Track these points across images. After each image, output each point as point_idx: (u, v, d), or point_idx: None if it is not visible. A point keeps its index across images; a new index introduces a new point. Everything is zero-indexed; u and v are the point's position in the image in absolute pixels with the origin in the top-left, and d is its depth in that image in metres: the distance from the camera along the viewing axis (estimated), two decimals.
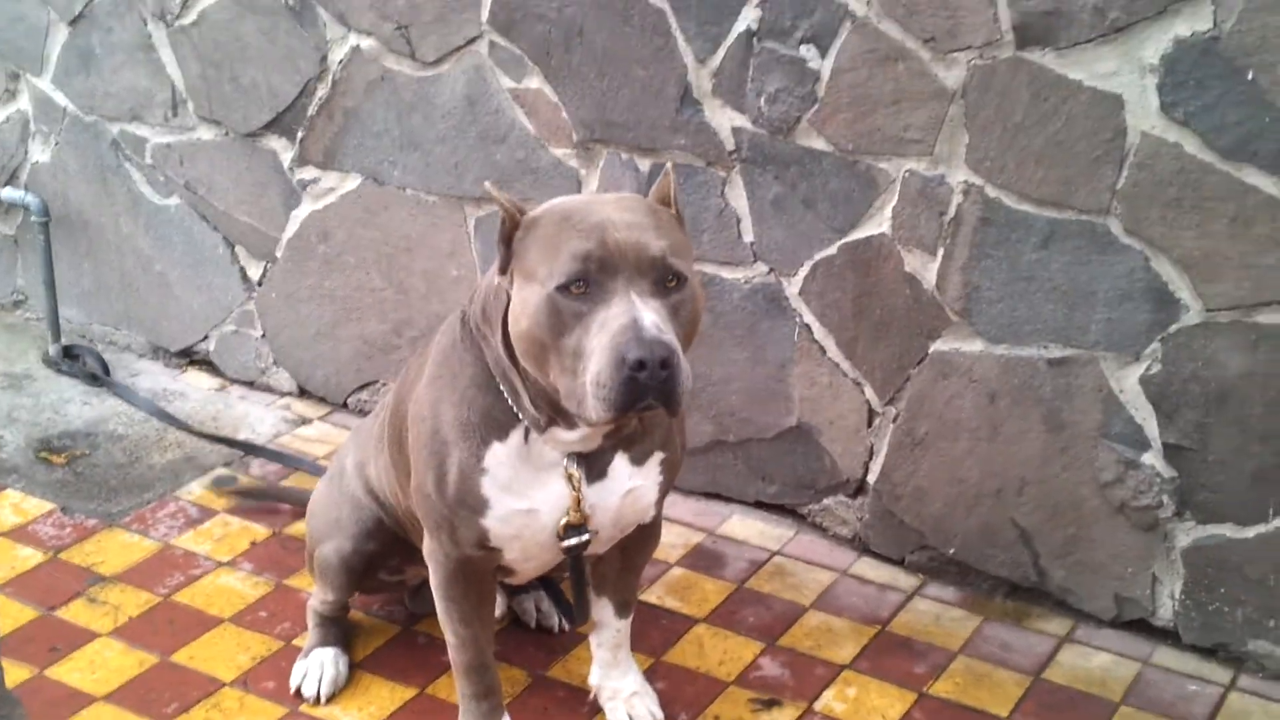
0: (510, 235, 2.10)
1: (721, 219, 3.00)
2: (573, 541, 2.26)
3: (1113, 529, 2.78)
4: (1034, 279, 2.72)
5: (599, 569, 2.52)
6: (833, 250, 2.91)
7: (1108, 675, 2.71)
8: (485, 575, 2.39)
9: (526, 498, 2.23)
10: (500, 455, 2.22)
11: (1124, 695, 2.66)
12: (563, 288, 1.98)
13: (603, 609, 2.53)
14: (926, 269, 2.82)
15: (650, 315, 1.96)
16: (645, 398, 1.94)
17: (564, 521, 2.25)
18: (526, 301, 2.03)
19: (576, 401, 1.99)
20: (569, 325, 1.99)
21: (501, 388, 2.19)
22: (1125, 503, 2.75)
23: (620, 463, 2.26)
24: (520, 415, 2.19)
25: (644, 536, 2.47)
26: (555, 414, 2.14)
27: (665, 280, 2.02)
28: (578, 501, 2.23)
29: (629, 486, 2.29)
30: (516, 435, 2.21)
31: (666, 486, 2.38)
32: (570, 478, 2.22)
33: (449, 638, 2.41)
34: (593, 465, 2.23)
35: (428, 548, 2.37)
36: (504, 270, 2.11)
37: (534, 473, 2.23)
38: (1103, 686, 2.68)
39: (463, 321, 2.25)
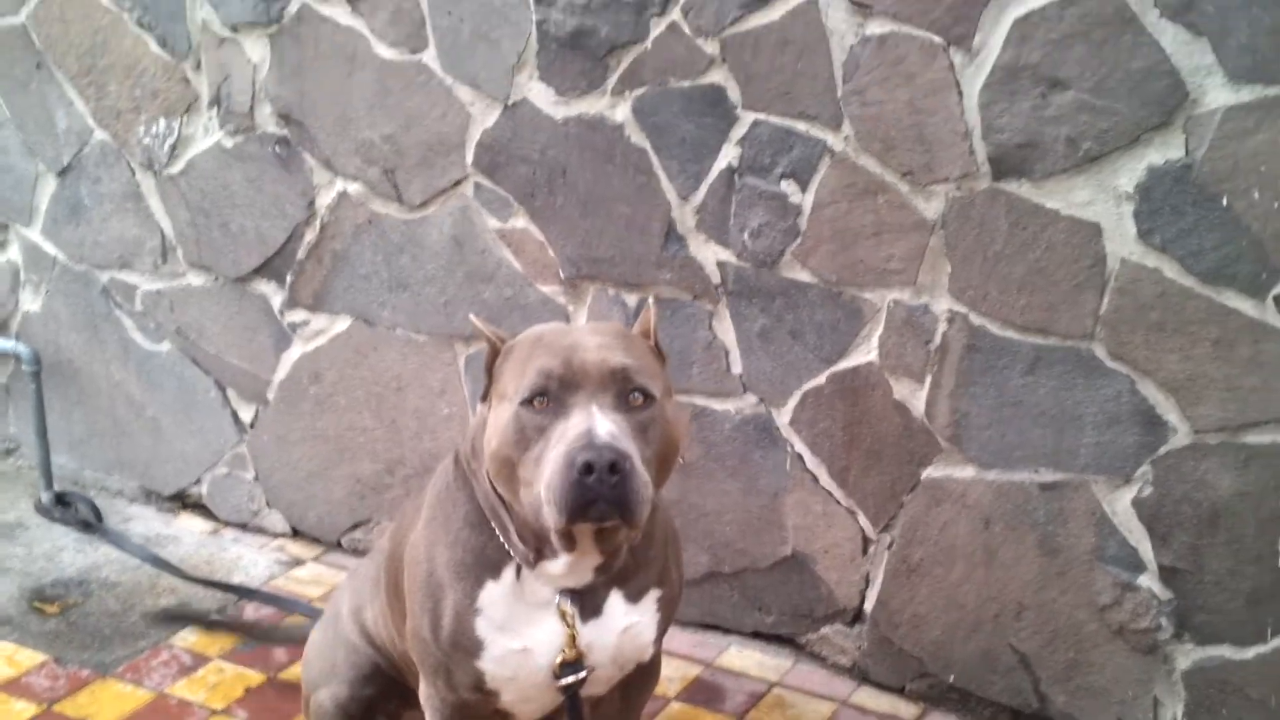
0: (491, 363, 2.15)
1: (710, 351, 3.02)
2: (569, 680, 2.24)
3: (1112, 652, 2.76)
4: (1022, 404, 2.73)
5: (599, 710, 2.49)
6: (821, 380, 2.93)
7: None
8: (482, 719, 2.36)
9: (521, 637, 2.22)
10: (494, 594, 2.21)
11: None
12: (526, 401, 2.01)
13: None
14: (915, 397, 2.84)
15: (606, 424, 1.97)
16: (596, 504, 1.94)
17: (559, 659, 2.23)
18: (497, 419, 2.07)
19: (535, 512, 2.00)
20: (531, 439, 2.01)
21: (492, 524, 2.19)
22: (1124, 625, 2.74)
23: (615, 600, 2.25)
24: (511, 552, 2.18)
25: (643, 675, 2.45)
26: (540, 544, 2.14)
27: (628, 395, 2.03)
28: (572, 638, 2.22)
29: (625, 624, 2.27)
30: (509, 573, 2.21)
31: (665, 624, 2.37)
32: (564, 614, 2.21)
33: None
34: (587, 603, 2.22)
35: (424, 693, 2.35)
36: (485, 397, 2.15)
37: (528, 611, 2.22)
38: None
39: (455, 462, 2.27)
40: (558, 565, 2.16)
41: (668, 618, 2.36)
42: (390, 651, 2.54)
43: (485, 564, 2.20)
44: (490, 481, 2.15)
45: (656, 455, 2.06)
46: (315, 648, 2.71)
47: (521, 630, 2.22)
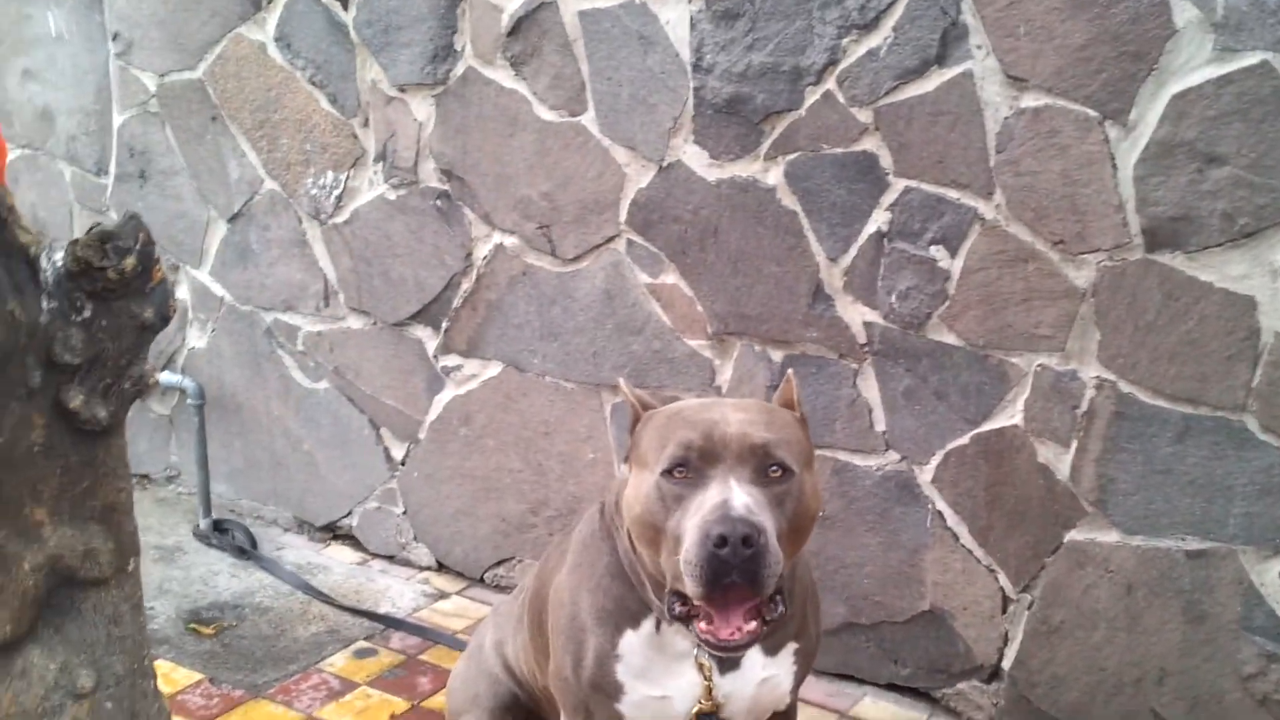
0: (633, 427, 2.23)
1: (853, 409, 3.08)
2: None
3: None
4: (1170, 472, 2.75)
5: None
6: (965, 440, 2.97)
7: None
8: None
9: (660, 685, 2.29)
10: (633, 643, 2.28)
11: None
12: (666, 472, 2.08)
13: None
14: (1060, 460, 2.86)
15: (742, 497, 2.03)
16: (729, 575, 1.99)
17: (695, 710, 2.30)
18: (639, 487, 2.13)
19: (675, 579, 2.07)
20: (671, 509, 2.07)
21: (633, 580, 2.27)
22: (1268, 695, 2.73)
23: (753, 653, 2.30)
24: (652, 607, 2.26)
25: None
26: (658, 607, 2.21)
27: (767, 469, 2.08)
28: (709, 690, 2.28)
29: (763, 676, 2.33)
30: (648, 624, 2.28)
31: (802, 676, 2.42)
32: (701, 667, 2.27)
33: None
34: (725, 656, 2.29)
35: None
36: (626, 459, 2.23)
37: (667, 661, 2.29)
38: None
39: (601, 512, 2.35)
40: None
41: (805, 669, 2.42)
42: (530, 685, 2.64)
43: (625, 613, 2.28)
44: (630, 541, 2.24)
45: (791, 526, 2.11)
46: (459, 677, 2.81)
47: (660, 679, 2.29)
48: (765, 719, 2.44)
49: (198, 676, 3.33)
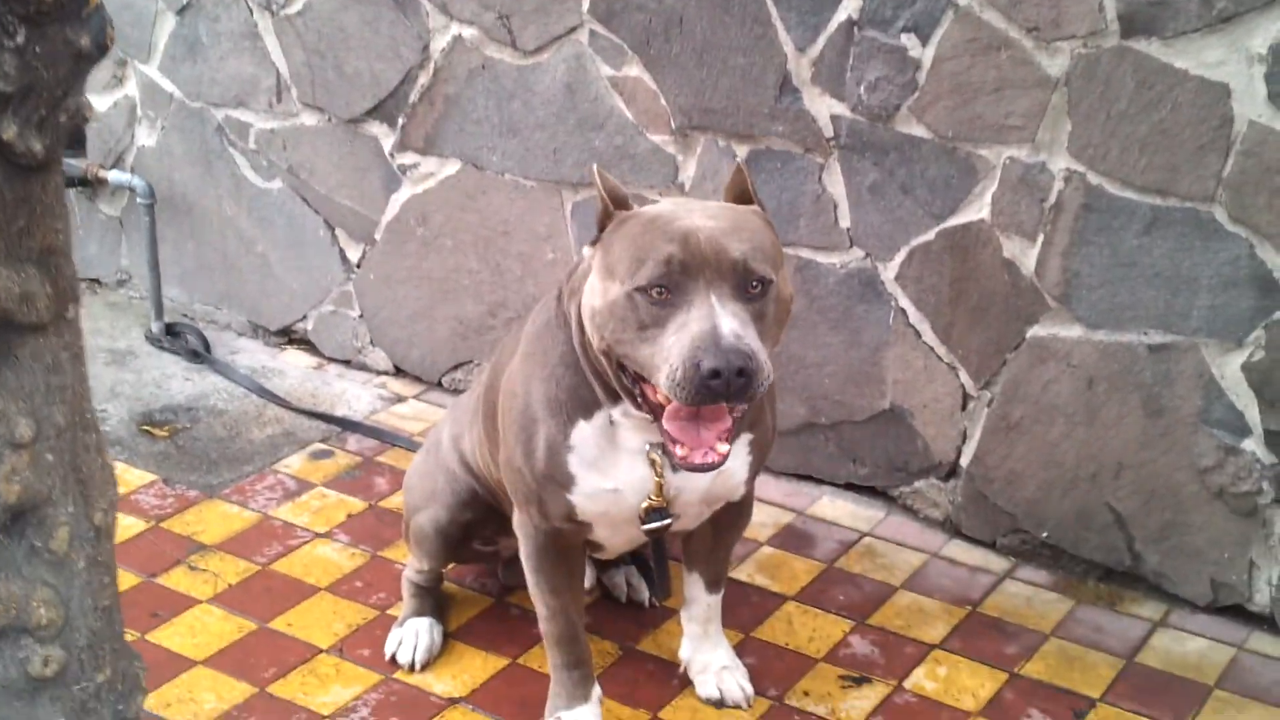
0: (602, 224, 2.16)
1: (818, 204, 3.02)
2: (654, 525, 2.30)
3: (1210, 514, 2.77)
4: (1135, 265, 2.72)
5: (690, 545, 2.55)
6: (930, 236, 2.92)
7: (1202, 660, 2.71)
8: (574, 548, 2.43)
9: (611, 477, 2.27)
10: (585, 434, 2.26)
11: (1218, 679, 2.66)
12: (642, 290, 2.03)
13: (693, 584, 2.56)
14: (1026, 255, 2.83)
15: (730, 321, 1.99)
16: (718, 400, 2.00)
17: (645, 505, 2.29)
18: (606, 293, 2.08)
19: (647, 381, 2.07)
20: (646, 326, 2.04)
21: (588, 372, 2.23)
22: (1224, 488, 2.74)
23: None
24: (604, 400, 2.23)
25: (734, 514, 2.50)
26: (626, 398, 2.18)
27: (748, 285, 2.05)
28: (660, 487, 2.27)
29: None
30: (601, 416, 2.25)
31: (757, 466, 2.41)
32: (653, 463, 2.25)
33: (539, 609, 2.45)
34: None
35: (517, 520, 2.42)
36: (593, 243, 2.17)
37: (618, 454, 2.27)
38: (1197, 671, 2.68)
39: (558, 299, 2.29)
40: (648, 417, 2.19)
41: (760, 460, 2.40)
42: (487, 479, 2.61)
43: (578, 404, 2.25)
44: (579, 332, 2.19)
45: (770, 335, 2.09)
46: (416, 473, 2.78)
47: (611, 471, 2.27)
48: (719, 508, 2.43)
49: (151, 477, 3.30)
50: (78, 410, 1.25)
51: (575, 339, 2.23)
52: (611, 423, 2.24)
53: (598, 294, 2.11)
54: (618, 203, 2.15)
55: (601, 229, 2.16)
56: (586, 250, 2.21)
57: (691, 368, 1.96)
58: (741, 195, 2.22)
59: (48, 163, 1.27)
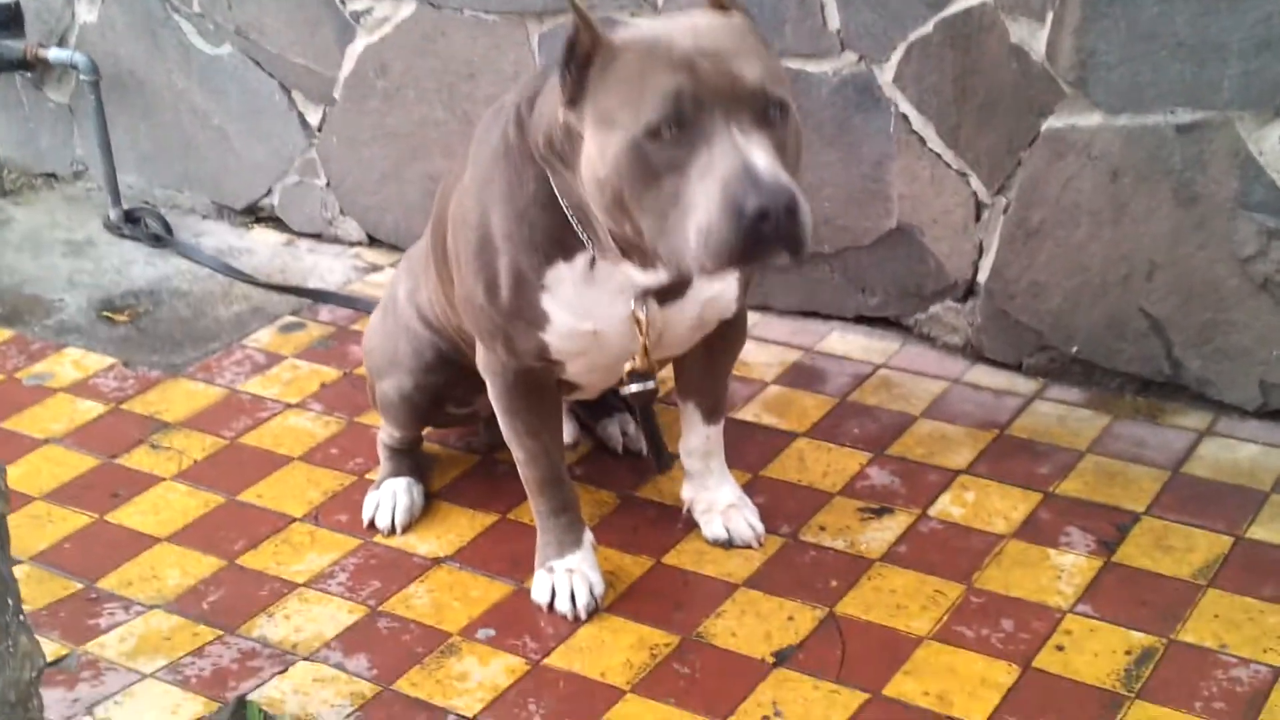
0: (585, 62, 1.82)
1: (804, 6, 2.75)
2: (636, 388, 2.08)
3: (1256, 309, 2.52)
4: (1156, 37, 2.44)
5: (682, 373, 2.33)
6: (928, 28, 2.65)
7: (1256, 465, 2.47)
8: (548, 385, 2.20)
9: (591, 318, 2.04)
10: (563, 274, 2.02)
11: (1275, 484, 2.42)
12: (652, 133, 1.74)
13: (690, 416, 2.33)
14: (1035, 38, 2.55)
15: (763, 156, 1.71)
16: (768, 248, 1.71)
17: (628, 368, 2.07)
18: (605, 148, 1.79)
19: (673, 253, 1.77)
20: (660, 174, 1.75)
21: (569, 216, 1.97)
22: (1269, 278, 2.48)
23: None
24: (589, 244, 1.98)
25: (728, 334, 2.25)
26: (638, 255, 1.93)
27: (767, 111, 1.76)
28: (645, 348, 2.03)
29: (709, 296, 2.09)
30: (582, 259, 2.00)
31: (746, 282, 2.16)
32: (638, 322, 2.01)
33: (517, 453, 2.23)
34: (669, 289, 2.03)
35: (482, 360, 2.19)
36: (574, 102, 1.84)
37: (598, 294, 2.03)
38: (1250, 476, 2.44)
39: (518, 126, 2.01)
40: (645, 275, 1.97)
41: (750, 275, 2.15)
42: (451, 333, 2.36)
43: (555, 245, 1.99)
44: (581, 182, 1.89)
45: (794, 167, 1.81)
46: (375, 337, 2.54)
47: (591, 312, 2.03)
48: (711, 329, 2.19)
49: (110, 360, 3.09)
50: None
51: (559, 186, 1.95)
52: (592, 267, 2.00)
53: (596, 154, 1.81)
54: (598, 37, 1.82)
55: (581, 71, 1.84)
56: (561, 111, 1.87)
57: (732, 214, 1.68)
58: (721, 5, 1.93)
59: None
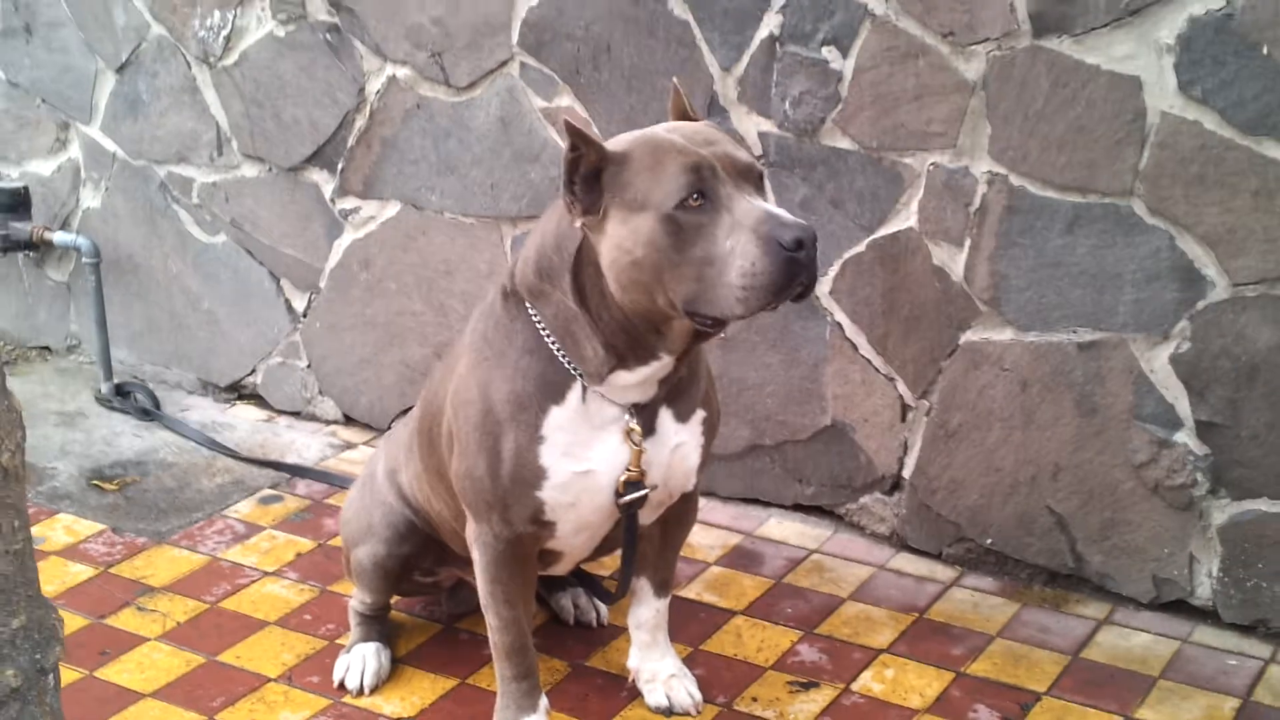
0: (595, 174, 2.11)
1: None
2: (631, 497, 2.31)
3: (1149, 510, 2.79)
4: (1061, 264, 2.76)
5: (639, 550, 2.56)
6: (861, 248, 2.96)
7: (1147, 653, 2.71)
8: (530, 557, 2.42)
9: (584, 460, 2.28)
10: (559, 419, 2.26)
11: (1163, 670, 2.66)
12: (681, 204, 2.05)
13: (642, 589, 2.56)
14: (954, 261, 2.87)
15: (776, 206, 2.08)
16: (799, 278, 2.03)
17: (623, 478, 2.29)
18: (639, 230, 2.07)
19: (713, 304, 2.06)
20: (692, 239, 2.05)
21: (554, 348, 2.24)
22: (1160, 483, 2.76)
23: (666, 418, 2.32)
24: (577, 371, 2.23)
25: (683, 512, 2.51)
26: (629, 350, 2.20)
27: (761, 181, 2.13)
28: (639, 456, 2.28)
29: (676, 442, 2.35)
30: (574, 395, 2.26)
31: (707, 449, 2.43)
32: (630, 433, 2.27)
33: (492, 620, 2.43)
34: (644, 421, 2.29)
35: (473, 534, 2.40)
36: (595, 211, 2.12)
37: (591, 432, 2.27)
38: (1142, 663, 2.68)
39: (503, 297, 2.30)
40: (634, 376, 2.23)
41: (709, 442, 2.43)
42: (426, 511, 2.61)
43: (548, 389, 2.25)
44: (575, 296, 2.18)
45: None
46: (352, 508, 2.77)
47: (584, 454, 2.28)
48: (673, 501, 2.44)
49: (100, 527, 3.29)
50: None
51: (547, 314, 2.23)
52: (584, 400, 2.26)
53: (626, 238, 2.09)
54: (603, 149, 2.12)
55: (592, 183, 2.11)
56: (573, 223, 2.15)
57: (773, 250, 2.00)
58: (683, 114, 2.28)
59: None
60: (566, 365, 2.24)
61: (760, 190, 2.11)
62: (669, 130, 2.17)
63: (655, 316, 2.15)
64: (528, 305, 2.26)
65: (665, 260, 2.06)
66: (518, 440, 2.27)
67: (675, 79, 2.32)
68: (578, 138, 2.10)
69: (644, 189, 2.08)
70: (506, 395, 2.27)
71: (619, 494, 2.30)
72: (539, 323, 2.25)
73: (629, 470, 2.28)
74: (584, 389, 2.25)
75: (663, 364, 2.22)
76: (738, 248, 2.03)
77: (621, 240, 2.10)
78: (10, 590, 1.31)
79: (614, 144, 2.15)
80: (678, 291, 2.08)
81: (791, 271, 2.01)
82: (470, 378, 2.33)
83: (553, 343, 2.24)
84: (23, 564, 1.31)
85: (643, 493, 2.31)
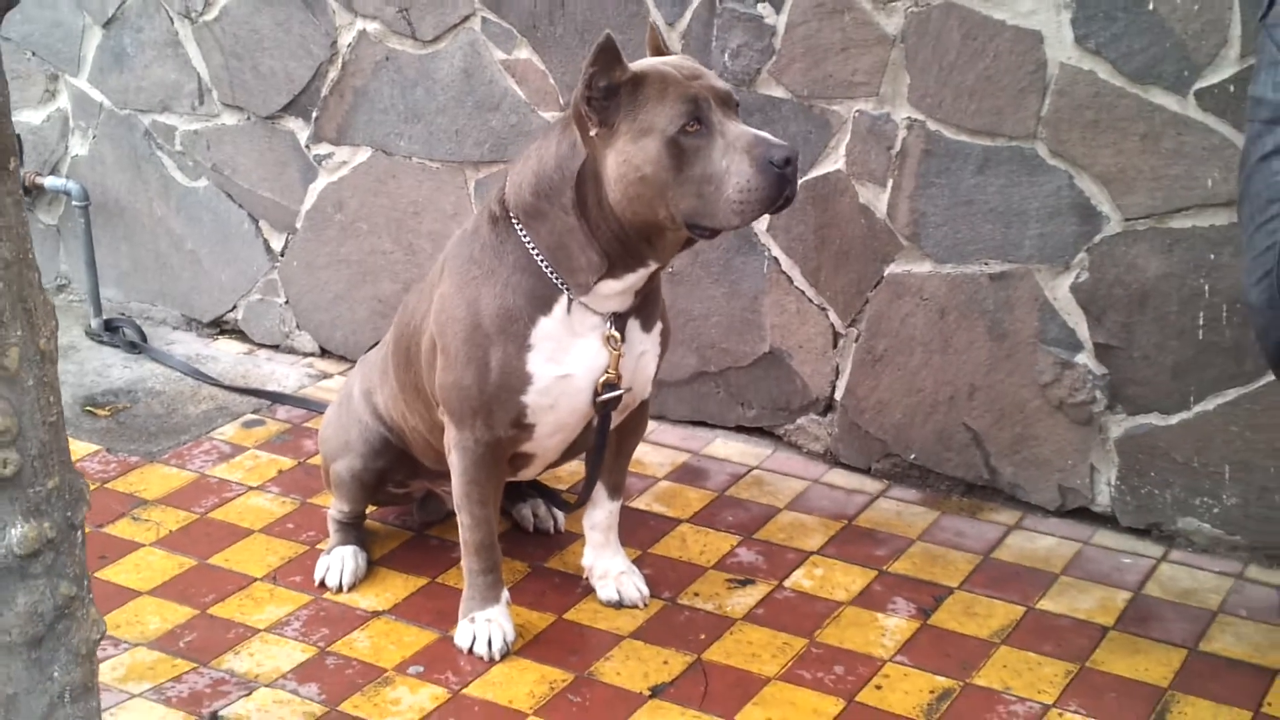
0: (614, 91, 2.38)
1: None
2: (608, 396, 2.59)
3: (1054, 426, 3.09)
4: (973, 202, 3.04)
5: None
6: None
7: (1050, 554, 3.01)
8: (504, 460, 2.69)
9: (564, 365, 2.56)
10: (546, 329, 2.54)
11: (1064, 568, 2.96)
12: (683, 130, 2.35)
13: (598, 492, 2.84)
14: (878, 200, 3.15)
15: (761, 130, 2.41)
16: (785, 191, 2.35)
17: (603, 379, 2.58)
18: (645, 149, 2.37)
19: (712, 216, 2.37)
20: (691, 159, 2.36)
21: (543, 266, 2.51)
22: (1063, 401, 3.06)
23: (634, 327, 2.62)
24: (564, 285, 2.50)
25: (636, 420, 2.81)
26: (621, 259, 2.48)
27: (737, 108, 2.46)
28: (617, 360, 2.57)
29: (640, 349, 2.64)
30: (560, 306, 2.53)
31: (661, 359, 2.74)
32: (609, 339, 2.55)
33: (464, 519, 2.70)
34: (618, 329, 2.57)
35: (453, 439, 2.65)
36: (609, 124, 2.40)
37: (573, 339, 2.55)
38: (1045, 562, 2.98)
39: (491, 221, 2.57)
40: (619, 284, 2.51)
41: (664, 352, 2.74)
42: (400, 427, 2.88)
43: (536, 302, 2.53)
44: (576, 210, 2.45)
45: None
46: (330, 425, 3.04)
47: (564, 359, 2.56)
48: (632, 409, 2.73)
49: (95, 447, 3.55)
50: (21, 249, 1.53)
51: (544, 230, 2.49)
52: (569, 311, 2.53)
53: (635, 154, 2.37)
54: (628, 68, 2.39)
55: (609, 99, 2.38)
56: (581, 138, 2.42)
57: (764, 167, 2.32)
58: (658, 50, 2.60)
59: None
60: (554, 279, 2.51)
61: (736, 112, 2.43)
62: (663, 63, 2.46)
63: (653, 228, 2.44)
64: (518, 227, 2.53)
65: (670, 178, 2.36)
66: (506, 350, 2.54)
67: (652, 20, 2.60)
68: (609, 54, 2.37)
69: (651, 114, 2.38)
70: (496, 310, 2.54)
71: (597, 394, 2.58)
72: (528, 242, 2.52)
73: (607, 373, 2.57)
74: (569, 301, 2.52)
75: (647, 270, 2.52)
76: (732, 167, 2.34)
77: (630, 157, 2.39)
78: (47, 455, 1.58)
79: (634, 67, 2.43)
80: (680, 206, 2.38)
81: (780, 186, 2.34)
82: (458, 296, 2.59)
83: (541, 260, 2.51)
84: (57, 433, 1.58)
85: (618, 393, 2.59)
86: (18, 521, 1.57)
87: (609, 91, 2.39)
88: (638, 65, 2.44)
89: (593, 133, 2.42)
